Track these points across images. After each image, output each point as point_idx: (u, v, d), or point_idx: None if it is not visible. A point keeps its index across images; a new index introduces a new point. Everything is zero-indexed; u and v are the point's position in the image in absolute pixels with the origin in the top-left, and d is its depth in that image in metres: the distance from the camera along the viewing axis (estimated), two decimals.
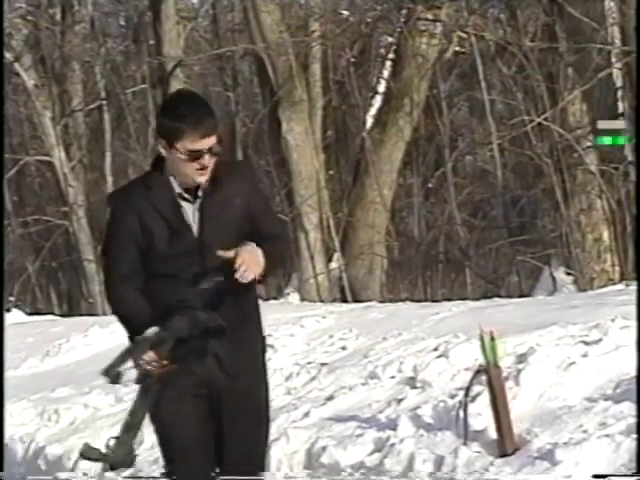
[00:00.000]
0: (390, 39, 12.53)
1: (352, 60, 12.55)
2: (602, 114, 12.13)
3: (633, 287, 6.41)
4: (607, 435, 4.53)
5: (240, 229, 3.69)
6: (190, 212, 3.69)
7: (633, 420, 4.58)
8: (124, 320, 3.71)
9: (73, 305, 15.48)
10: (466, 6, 11.71)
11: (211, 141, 3.63)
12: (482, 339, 4.90)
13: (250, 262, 3.57)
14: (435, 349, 6.18)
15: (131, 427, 3.63)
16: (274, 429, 5.41)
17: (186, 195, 3.68)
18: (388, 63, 12.52)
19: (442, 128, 12.36)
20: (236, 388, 3.68)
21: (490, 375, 4.87)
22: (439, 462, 4.76)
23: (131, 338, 3.67)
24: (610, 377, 5.14)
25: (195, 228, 3.67)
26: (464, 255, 12.31)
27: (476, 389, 5.10)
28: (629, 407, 4.71)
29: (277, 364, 6.75)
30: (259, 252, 3.60)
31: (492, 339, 4.89)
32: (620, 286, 8.81)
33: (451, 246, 13.14)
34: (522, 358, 5.55)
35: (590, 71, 11.19)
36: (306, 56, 12.20)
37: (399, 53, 12.07)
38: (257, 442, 3.77)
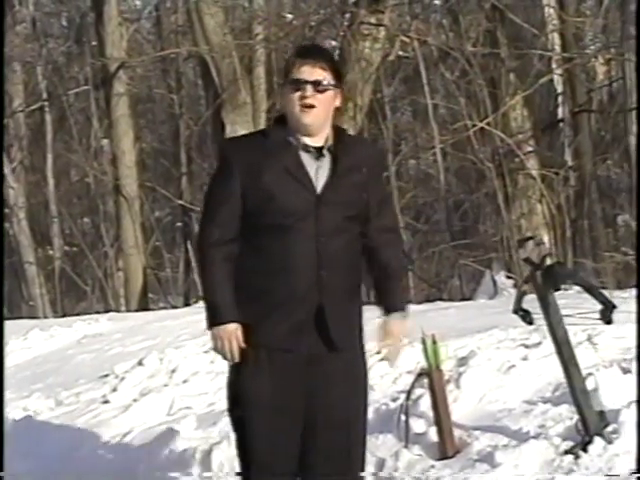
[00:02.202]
0: (334, 43, 12.55)
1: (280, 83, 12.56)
2: (543, 119, 12.28)
3: (571, 291, 6.47)
4: (546, 438, 4.59)
5: (357, 200, 3.62)
6: (312, 167, 3.59)
7: (571, 422, 4.64)
8: (205, 290, 3.62)
9: (13, 308, 15.31)
10: (409, 11, 11.76)
11: (316, 74, 3.56)
12: (424, 342, 4.93)
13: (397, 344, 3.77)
14: (378, 352, 6.19)
15: None
16: (216, 433, 5.41)
17: (311, 149, 3.59)
18: None
19: (385, 132, 12.40)
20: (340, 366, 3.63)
21: (432, 378, 4.91)
22: (380, 465, 4.78)
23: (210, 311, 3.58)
24: (549, 380, 5.20)
25: (319, 183, 3.58)
26: (407, 259, 12.36)
27: (417, 392, 5.14)
28: (568, 409, 4.77)
29: (220, 367, 6.73)
30: (405, 322, 3.74)
31: (434, 342, 4.92)
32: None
33: None
34: (463, 361, 5.59)
35: (531, 77, 11.30)
36: (250, 59, 12.18)
37: (343, 57, 12.07)
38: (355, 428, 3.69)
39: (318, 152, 3.60)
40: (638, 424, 4.35)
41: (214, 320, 3.60)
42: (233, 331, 3.57)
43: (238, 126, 11.97)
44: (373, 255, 3.71)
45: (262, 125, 12.30)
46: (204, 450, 5.19)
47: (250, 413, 3.63)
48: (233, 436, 5.07)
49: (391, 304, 3.79)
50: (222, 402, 6.15)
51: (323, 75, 3.56)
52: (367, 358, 3.84)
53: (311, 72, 3.55)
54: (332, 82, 3.58)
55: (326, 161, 3.61)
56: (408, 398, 5.01)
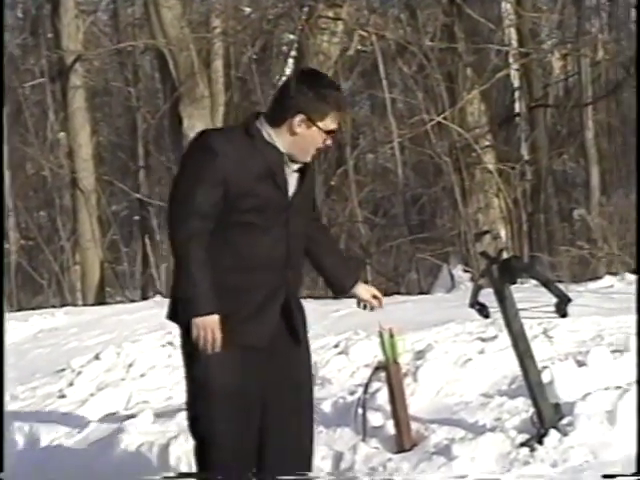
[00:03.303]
0: (292, 36, 12.55)
1: (254, 57, 12.53)
2: (499, 114, 12.35)
3: (527, 285, 6.52)
4: (502, 430, 4.62)
5: (311, 211, 3.89)
6: (288, 177, 3.74)
7: (527, 415, 4.67)
8: (186, 281, 3.63)
9: None
10: (367, 5, 11.78)
11: (337, 123, 3.78)
12: (381, 336, 4.95)
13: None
14: (335, 346, 6.22)
15: None
16: (173, 427, 5.40)
17: (288, 160, 3.74)
18: (290, 60, 12.55)
19: (344, 126, 12.41)
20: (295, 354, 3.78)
21: (389, 372, 4.92)
22: (337, 458, 4.79)
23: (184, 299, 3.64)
24: (505, 373, 5.24)
25: (289, 190, 3.73)
26: (365, 252, 12.38)
27: (375, 386, 5.15)
28: (523, 402, 4.80)
29: (177, 361, 6.71)
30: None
31: (391, 336, 4.94)
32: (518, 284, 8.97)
33: (352, 244, 13.21)
34: (420, 355, 5.62)
35: (488, 71, 11.36)
36: (208, 52, 12.14)
37: (301, 51, 12.09)
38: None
39: (288, 158, 3.74)
40: (638, 423, 4.36)
41: (198, 310, 3.63)
42: (216, 321, 3.62)
43: (196, 120, 11.94)
44: (315, 241, 3.93)
45: (220, 119, 12.28)
46: (161, 444, 5.18)
47: (217, 407, 3.65)
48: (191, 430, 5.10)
49: (353, 278, 4.05)
50: (180, 396, 6.14)
51: (338, 122, 3.80)
52: (323, 351, 3.99)
53: (336, 125, 3.77)
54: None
55: (293, 169, 3.75)
56: (366, 391, 5.03)
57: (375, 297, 4.08)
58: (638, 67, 10.78)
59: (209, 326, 3.61)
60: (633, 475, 3.99)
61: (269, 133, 3.70)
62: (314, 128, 3.69)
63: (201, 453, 3.76)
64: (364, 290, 4.06)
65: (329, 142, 3.73)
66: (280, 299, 3.72)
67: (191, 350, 3.67)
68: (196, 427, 3.75)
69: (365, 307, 4.14)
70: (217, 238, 3.64)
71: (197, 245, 3.60)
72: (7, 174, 15.11)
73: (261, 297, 3.67)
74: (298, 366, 3.81)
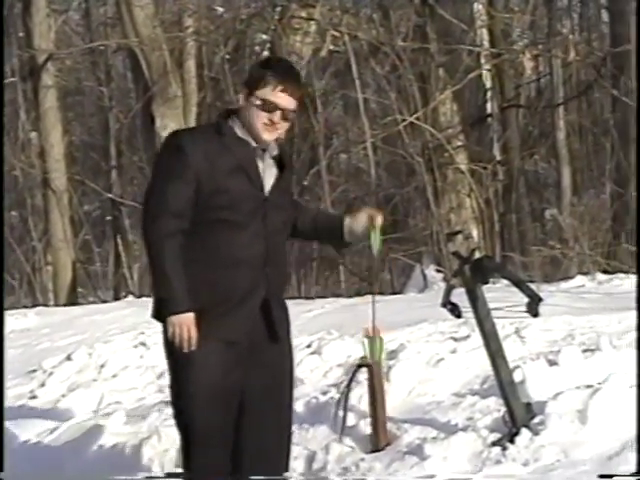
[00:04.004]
0: (265, 36, 12.54)
1: (227, 57, 12.52)
2: (472, 114, 12.39)
3: (499, 285, 6.55)
4: (474, 430, 4.63)
5: (290, 204, 3.83)
6: (261, 170, 3.69)
7: (499, 414, 4.69)
8: (161, 279, 3.63)
9: None
10: (339, 5, 11.79)
11: (289, 102, 3.64)
12: (367, 335, 4.95)
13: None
14: (308, 346, 6.23)
15: None
16: (145, 428, 5.39)
17: (261, 152, 3.68)
18: None
19: (317, 126, 12.42)
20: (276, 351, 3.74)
21: (372, 371, 4.93)
22: (311, 458, 4.79)
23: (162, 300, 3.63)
24: (477, 373, 5.26)
25: (266, 186, 3.68)
26: (338, 253, 12.40)
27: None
28: (495, 402, 4.82)
29: (149, 362, 6.71)
30: None
31: (377, 335, 4.95)
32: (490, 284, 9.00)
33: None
34: (393, 355, 5.63)
35: (460, 72, 11.40)
36: (181, 52, 12.12)
37: (274, 51, 12.08)
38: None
39: (263, 153, 3.69)
40: (638, 424, 4.39)
41: (173, 308, 3.62)
42: (191, 319, 3.61)
43: (168, 119, 11.91)
44: (303, 218, 3.92)
45: (193, 118, 12.26)
46: (133, 445, 5.16)
47: (199, 403, 3.65)
48: (163, 431, 5.09)
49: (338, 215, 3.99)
50: (152, 397, 6.14)
51: (294, 105, 3.66)
52: (296, 352, 3.95)
53: (287, 100, 3.64)
54: (297, 111, 3.70)
55: (270, 164, 3.71)
56: (348, 390, 5.02)
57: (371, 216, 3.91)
58: (638, 67, 10.82)
59: (184, 324, 3.60)
60: (633, 475, 3.99)
61: (239, 127, 3.68)
62: (254, 99, 3.61)
63: (184, 447, 3.76)
64: (361, 213, 3.93)
65: (276, 118, 3.61)
66: (258, 296, 3.68)
67: (172, 347, 3.67)
68: (179, 422, 3.76)
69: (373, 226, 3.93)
70: (195, 235, 3.64)
71: (171, 243, 3.60)
72: None
73: (239, 293, 3.65)
74: (277, 365, 3.77)
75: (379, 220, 3.89)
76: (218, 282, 3.64)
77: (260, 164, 3.68)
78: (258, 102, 3.62)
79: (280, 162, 3.74)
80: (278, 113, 3.62)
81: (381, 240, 4.08)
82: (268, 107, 3.62)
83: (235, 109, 3.73)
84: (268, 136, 3.65)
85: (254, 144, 3.67)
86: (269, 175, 3.70)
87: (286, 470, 3.84)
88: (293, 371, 3.88)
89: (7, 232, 15.37)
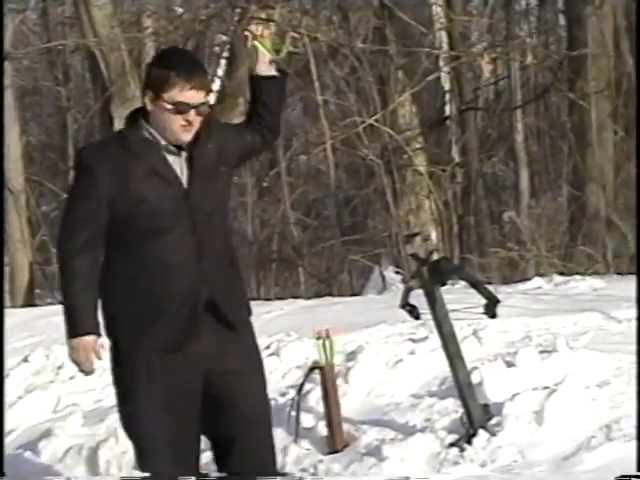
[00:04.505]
0: (224, 37, 12.51)
1: (148, 62, 12.47)
2: (430, 117, 12.43)
3: (458, 286, 6.57)
4: (432, 431, 4.66)
5: (227, 179, 3.66)
6: (176, 163, 3.57)
7: (457, 416, 4.72)
8: (64, 299, 3.56)
9: None
10: (299, 7, 11.79)
11: (199, 97, 3.52)
12: (318, 337, 4.96)
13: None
14: (267, 347, 6.22)
15: None
16: (103, 430, 5.36)
17: (171, 147, 3.56)
18: (222, 62, 12.50)
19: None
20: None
21: (324, 373, 4.94)
22: None
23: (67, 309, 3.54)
24: (435, 374, 5.28)
25: (184, 179, 3.56)
26: (297, 254, 12.40)
27: (306, 387, 5.16)
28: (453, 403, 4.85)
29: (107, 363, 6.66)
30: None
31: (328, 337, 4.96)
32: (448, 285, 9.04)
33: (285, 245, 13.22)
34: (351, 356, 5.64)
35: (419, 74, 11.43)
36: (139, 52, 12.06)
37: (233, 52, 12.06)
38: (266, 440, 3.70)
39: (177, 148, 3.58)
40: (638, 425, 4.40)
41: (72, 331, 3.55)
42: (90, 343, 3.53)
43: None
44: (258, 101, 3.77)
45: None
46: (91, 448, 5.14)
47: (138, 412, 3.60)
48: (121, 433, 5.06)
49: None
50: (109, 399, 6.09)
51: (205, 98, 3.56)
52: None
53: (196, 96, 3.52)
54: (208, 101, 3.60)
55: (184, 156, 3.59)
56: (299, 393, 5.03)
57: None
58: (638, 67, 10.90)
59: (83, 347, 3.53)
60: (634, 477, 4.00)
61: (147, 128, 3.57)
62: (163, 103, 3.50)
63: (135, 458, 3.72)
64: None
65: (191, 117, 3.49)
66: (198, 297, 3.55)
67: (114, 356, 3.63)
68: (128, 434, 3.71)
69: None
70: (121, 249, 3.56)
71: (79, 261, 3.52)
72: None
73: (174, 299, 3.54)
74: (242, 364, 3.64)
75: (254, 29, 3.79)
76: (149, 293, 3.54)
77: (176, 159, 3.56)
78: (169, 106, 3.51)
79: (189, 150, 3.59)
80: (192, 112, 3.52)
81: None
82: (181, 109, 3.51)
83: (141, 108, 3.61)
84: (187, 136, 3.54)
85: (163, 142, 3.56)
86: (185, 167, 3.58)
87: (274, 466, 3.78)
88: (262, 366, 3.76)
89: None
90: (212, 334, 3.60)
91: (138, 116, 3.60)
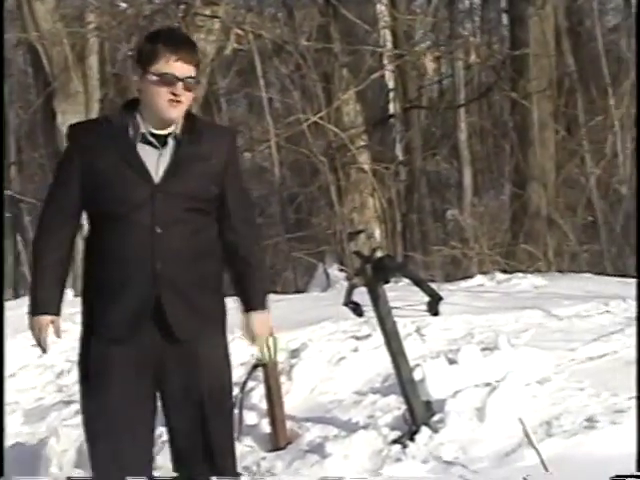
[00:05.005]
0: None
1: (130, 53, 12.40)
2: (375, 115, 12.47)
3: (401, 284, 6.61)
4: (375, 428, 4.68)
5: (203, 191, 3.50)
6: (152, 156, 3.48)
7: (399, 413, 4.74)
8: (31, 277, 3.59)
9: None
10: (243, 4, 11.77)
11: (187, 70, 3.45)
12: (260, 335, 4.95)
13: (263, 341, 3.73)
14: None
15: None
16: (44, 428, 5.32)
17: (151, 138, 3.48)
18: None
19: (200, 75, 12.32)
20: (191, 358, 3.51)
21: (267, 370, 4.94)
22: None
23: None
24: (378, 371, 5.30)
25: (155, 174, 3.46)
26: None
27: (249, 384, 5.16)
28: (396, 400, 4.87)
29: (48, 361, 6.61)
30: (268, 317, 3.64)
31: (270, 335, 4.95)
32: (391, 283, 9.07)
33: None
34: (295, 353, 5.65)
35: (363, 72, 11.47)
36: (82, 47, 11.96)
37: None
38: (220, 431, 3.57)
39: (161, 141, 3.50)
40: (638, 422, 4.43)
41: (31, 309, 3.59)
42: (44, 322, 3.54)
43: (70, 115, 11.74)
44: (232, 248, 3.60)
45: (95, 115, 12.10)
46: (32, 446, 5.09)
47: (87, 401, 3.57)
48: (62, 431, 5.02)
49: (252, 302, 3.65)
50: (51, 397, 6.06)
51: (193, 72, 3.48)
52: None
53: (183, 68, 3.46)
54: (197, 77, 3.55)
55: (169, 149, 3.51)
56: (242, 390, 5.03)
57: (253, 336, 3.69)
58: (638, 67, 10.96)
59: (37, 326, 3.56)
60: (635, 477, 4.02)
61: (134, 114, 3.51)
62: (150, 76, 3.44)
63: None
64: (256, 323, 3.65)
65: (178, 90, 3.41)
66: (145, 293, 3.47)
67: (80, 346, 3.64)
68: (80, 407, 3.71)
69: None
70: (89, 231, 3.57)
71: (47, 244, 3.53)
72: None
73: (119, 289, 3.49)
74: (194, 364, 3.51)
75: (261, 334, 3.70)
76: (101, 277, 3.52)
77: (154, 152, 3.49)
78: (155, 78, 3.45)
79: (179, 143, 3.51)
80: (179, 85, 3.44)
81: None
82: (167, 80, 3.44)
83: (137, 98, 3.55)
84: (175, 112, 3.46)
85: (144, 130, 3.50)
86: (162, 160, 3.49)
87: (234, 468, 3.73)
88: (220, 367, 3.61)
89: None
90: (157, 335, 3.52)
91: (132, 104, 3.55)
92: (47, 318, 3.55)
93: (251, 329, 3.64)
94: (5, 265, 14.97)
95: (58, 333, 3.57)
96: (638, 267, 8.20)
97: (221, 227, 3.59)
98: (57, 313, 3.57)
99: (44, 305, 3.56)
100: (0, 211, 11.75)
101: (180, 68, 3.46)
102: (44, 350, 3.61)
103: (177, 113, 3.49)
